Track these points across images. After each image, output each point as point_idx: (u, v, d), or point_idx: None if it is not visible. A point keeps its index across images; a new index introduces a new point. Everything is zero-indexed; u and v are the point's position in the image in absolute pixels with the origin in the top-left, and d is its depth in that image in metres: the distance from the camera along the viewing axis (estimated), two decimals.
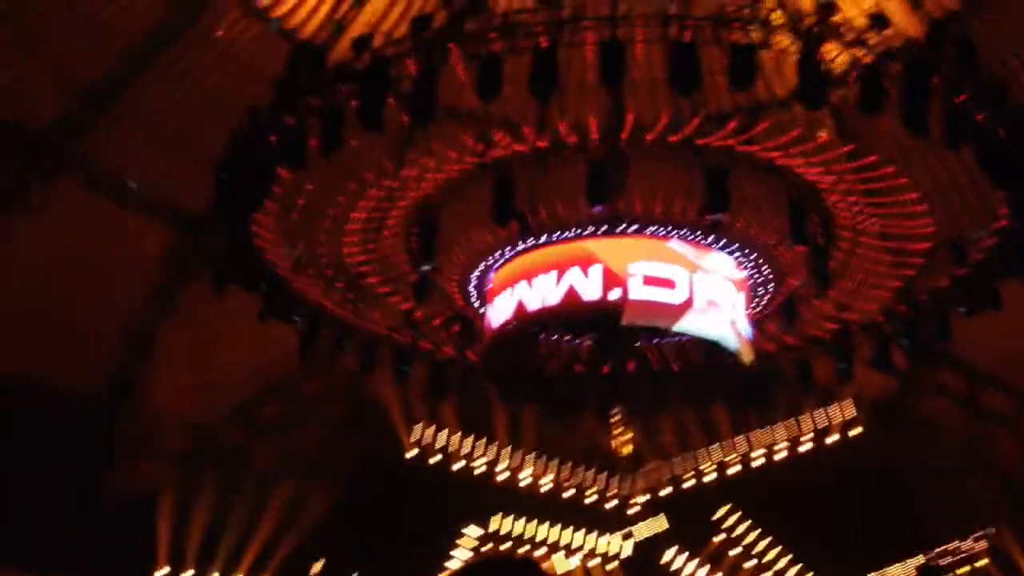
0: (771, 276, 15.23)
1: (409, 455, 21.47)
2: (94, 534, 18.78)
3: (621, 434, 20.66)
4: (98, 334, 17.48)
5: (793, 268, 15.05)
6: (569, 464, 22.19)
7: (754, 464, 21.08)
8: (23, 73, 14.77)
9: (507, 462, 21.96)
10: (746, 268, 15.05)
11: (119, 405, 18.22)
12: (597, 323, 15.14)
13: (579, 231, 14.49)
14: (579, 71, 12.28)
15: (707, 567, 22.46)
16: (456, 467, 21.76)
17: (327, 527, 20.92)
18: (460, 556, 22.65)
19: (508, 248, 14.94)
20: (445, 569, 22.57)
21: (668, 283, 14.22)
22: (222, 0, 14.73)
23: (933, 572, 19.85)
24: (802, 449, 20.51)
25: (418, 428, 21.54)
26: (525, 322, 14.88)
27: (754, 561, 22.32)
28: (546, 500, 22.29)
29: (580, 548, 22.86)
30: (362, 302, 15.92)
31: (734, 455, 21.26)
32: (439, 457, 21.70)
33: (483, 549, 22.88)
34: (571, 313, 14.71)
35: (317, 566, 20.86)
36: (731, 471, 21.36)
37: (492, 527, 22.67)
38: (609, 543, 22.69)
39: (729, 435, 21.07)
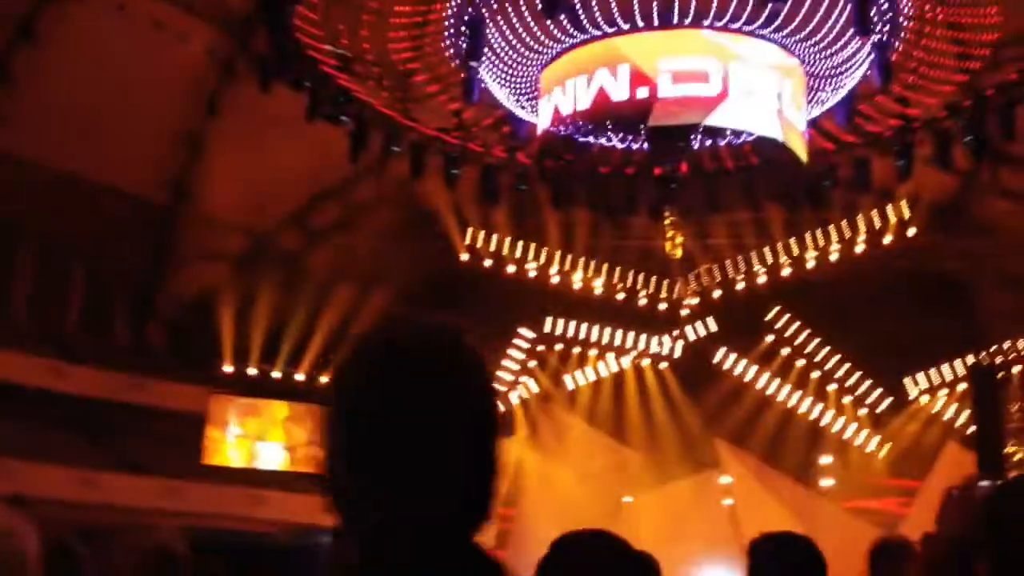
0: (830, 67, 14.66)
1: (462, 259, 21.68)
2: (159, 332, 19.48)
3: (673, 236, 20.57)
4: (152, 136, 17.61)
5: (854, 60, 14.48)
6: (621, 267, 22.28)
7: (807, 265, 20.96)
8: None
9: (559, 266, 22.10)
10: (799, 56, 14.43)
11: (176, 207, 18.51)
12: (630, 124, 14.83)
13: (612, 28, 14.00)
14: None
15: (756, 367, 22.82)
16: (509, 271, 21.97)
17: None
18: (516, 356, 23.27)
19: (554, 44, 14.54)
20: (501, 368, 23.23)
21: (700, 76, 13.73)
22: None
23: (987, 370, 19.90)
24: (856, 250, 20.29)
25: (471, 233, 21.68)
26: (561, 127, 14.66)
27: (803, 361, 22.60)
28: (598, 303, 22.55)
29: (631, 349, 23.31)
30: (410, 101, 15.73)
31: (787, 257, 21.14)
32: (492, 261, 21.90)
33: (538, 349, 23.44)
34: (602, 116, 14.42)
35: None
36: (783, 272, 21.30)
37: (545, 329, 23.14)
38: (660, 345, 23.09)
39: (782, 236, 20.89)
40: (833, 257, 20.57)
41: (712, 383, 22.84)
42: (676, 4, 13.71)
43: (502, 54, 14.81)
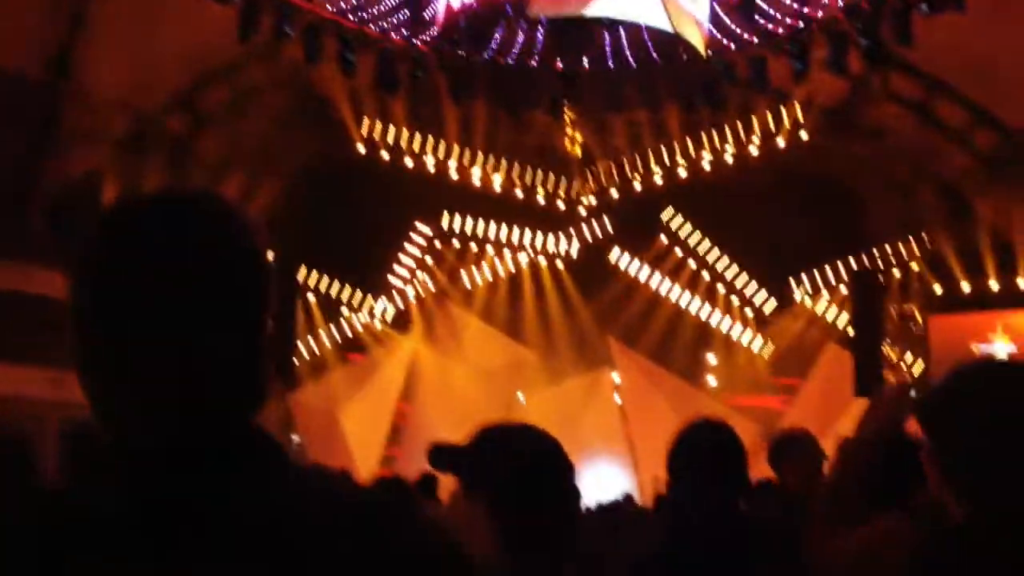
0: None
1: (358, 150, 21.25)
2: (40, 218, 18.75)
3: (573, 134, 20.52)
4: (29, 8, 16.62)
5: None
6: (519, 164, 22.16)
7: (702, 166, 21.16)
8: None
9: (458, 161, 21.85)
10: None
11: (57, 84, 17.61)
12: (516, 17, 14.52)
13: None
14: None
15: (649, 268, 23.16)
16: (406, 164, 21.64)
17: (276, 221, 20.99)
18: (412, 252, 23.14)
19: None
20: (397, 263, 23.10)
21: None
22: None
23: (868, 274, 20.56)
24: (750, 152, 20.54)
25: (367, 123, 21.21)
26: (452, 22, 14.34)
27: (694, 262, 23.02)
28: (496, 199, 22.45)
29: (528, 247, 23.38)
30: None
31: (683, 158, 21.30)
32: (388, 154, 21.52)
33: (435, 246, 23.34)
34: (486, 12, 14.10)
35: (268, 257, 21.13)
36: (679, 173, 21.47)
37: (443, 224, 23.00)
38: (557, 243, 23.20)
39: (679, 137, 21.00)
40: (727, 159, 20.79)
41: (606, 283, 23.13)
42: None
43: None
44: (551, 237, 23.10)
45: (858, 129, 19.75)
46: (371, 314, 22.98)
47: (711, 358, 23.26)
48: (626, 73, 17.24)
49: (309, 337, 22.38)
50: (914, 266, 20.59)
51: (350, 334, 22.93)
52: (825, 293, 22.14)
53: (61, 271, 18.90)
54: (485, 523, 2.43)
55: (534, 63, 17.33)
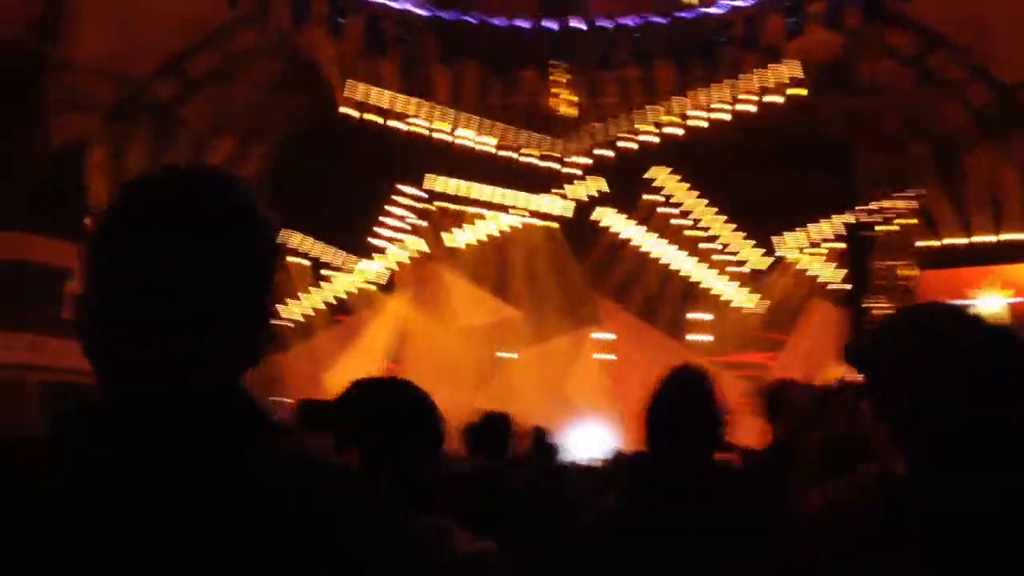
0: None
1: (345, 112, 20.98)
2: (25, 185, 18.46)
3: (561, 94, 20.35)
4: None
5: None
6: (508, 124, 21.95)
7: (694, 125, 21.04)
8: None
9: (446, 122, 21.61)
10: None
11: (43, 52, 17.24)
12: None
13: None
14: None
15: (638, 226, 23.11)
16: (394, 126, 21.39)
17: (264, 185, 20.77)
18: (399, 213, 22.97)
19: None
20: (383, 225, 22.94)
21: None
22: None
23: (858, 229, 20.66)
24: (742, 108, 20.44)
25: (354, 85, 20.91)
26: None
27: (684, 220, 22.99)
28: (485, 161, 22.26)
29: (516, 208, 23.26)
30: None
31: (674, 116, 21.16)
32: (376, 116, 21.26)
33: (422, 207, 23.17)
34: None
35: None
36: (670, 131, 21.35)
37: (430, 186, 22.81)
38: (545, 203, 23.08)
39: (671, 96, 20.85)
40: (720, 117, 20.67)
41: (595, 242, 23.09)
42: None
43: None
44: (540, 198, 22.96)
45: (852, 85, 19.70)
46: (358, 275, 22.86)
47: (700, 316, 23.34)
48: (617, 31, 17.09)
49: (296, 300, 22.26)
50: (905, 221, 20.68)
51: (337, 296, 22.81)
52: (815, 249, 22.20)
53: (44, 238, 18.72)
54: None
55: (524, 23, 17.17)
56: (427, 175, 22.57)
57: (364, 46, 17.45)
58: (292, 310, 22.14)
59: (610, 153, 21.82)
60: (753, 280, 22.99)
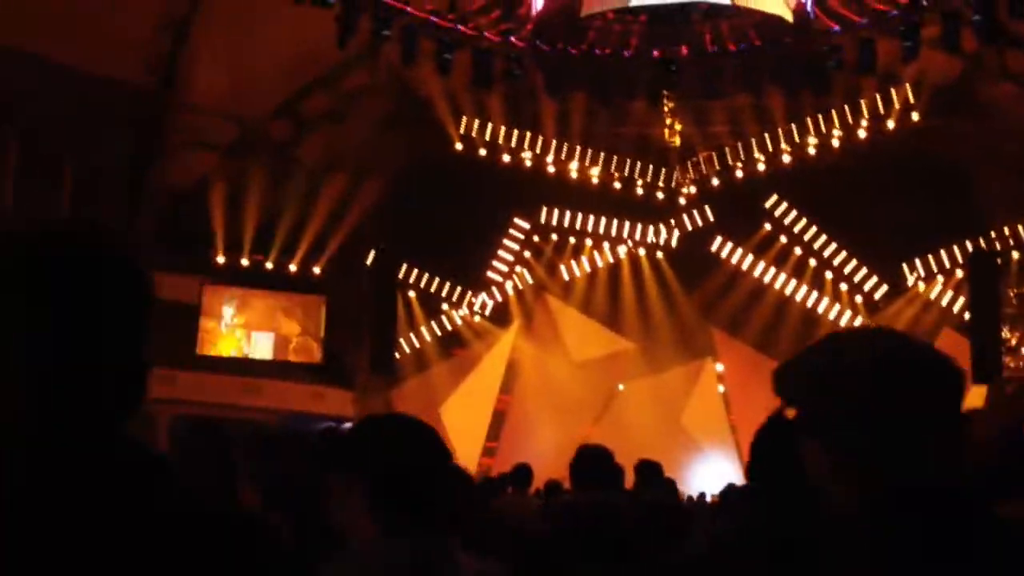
0: None
1: (456, 148, 21.32)
2: (149, 222, 19.26)
3: (672, 123, 20.20)
4: (137, 21, 17.04)
5: None
6: (617, 156, 21.92)
7: (807, 152, 20.61)
8: None
9: (555, 154, 21.73)
10: None
11: (164, 94, 18.05)
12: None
13: None
14: None
15: (752, 256, 22.69)
16: (504, 160, 21.62)
17: (378, 219, 21.23)
18: (510, 246, 23.13)
19: None
20: (495, 258, 23.12)
21: None
22: None
23: (984, 256, 19.82)
24: (858, 136, 19.94)
25: (465, 121, 21.25)
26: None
27: (800, 249, 22.46)
28: (594, 192, 22.27)
29: (627, 239, 23.14)
30: None
31: (786, 144, 20.78)
32: (486, 150, 21.53)
33: (533, 239, 23.29)
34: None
35: (370, 255, 21.38)
36: (783, 159, 20.96)
37: (541, 219, 22.92)
38: (656, 234, 22.90)
39: (783, 123, 20.50)
40: (834, 143, 20.20)
41: (708, 272, 22.77)
42: None
43: None
44: (651, 228, 22.79)
45: (970, 109, 19.02)
46: (471, 309, 23.05)
47: None
48: (726, 58, 16.88)
49: (410, 333, 22.57)
50: None
51: (450, 329, 23.04)
52: (939, 277, 21.41)
53: (174, 275, 19.49)
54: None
55: (629, 54, 17.11)
56: (538, 208, 22.70)
57: (472, 81, 17.65)
58: (406, 343, 22.47)
59: (720, 182, 21.55)
60: (875, 310, 22.28)
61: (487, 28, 16.57)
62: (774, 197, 22.18)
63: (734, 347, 22.53)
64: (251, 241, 20.52)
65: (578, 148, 21.61)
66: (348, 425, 21.56)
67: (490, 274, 23.18)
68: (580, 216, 22.86)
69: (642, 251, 23.24)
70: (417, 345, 22.71)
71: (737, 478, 19.29)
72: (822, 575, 1.89)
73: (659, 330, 22.91)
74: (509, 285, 23.29)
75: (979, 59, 17.65)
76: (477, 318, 23.23)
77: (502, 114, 21.00)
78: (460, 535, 2.58)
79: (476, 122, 21.25)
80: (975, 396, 19.32)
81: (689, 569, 3.51)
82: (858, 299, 22.33)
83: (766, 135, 20.66)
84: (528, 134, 21.45)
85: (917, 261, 21.38)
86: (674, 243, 22.85)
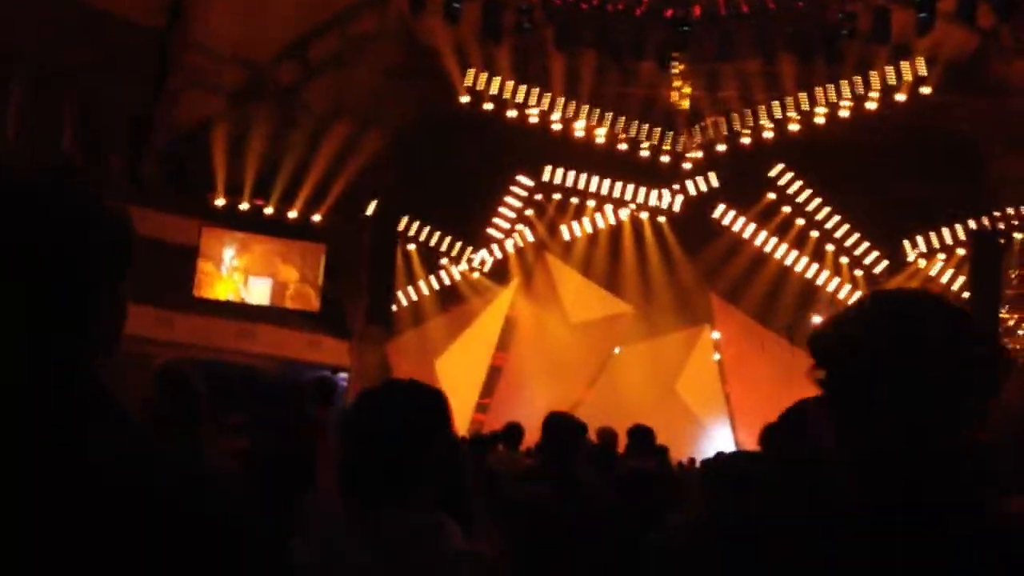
0: None
1: (462, 101, 21.11)
2: (152, 163, 19.14)
3: (680, 86, 19.98)
4: None
5: None
6: (624, 116, 21.70)
7: (816, 122, 20.42)
8: None
9: (561, 112, 21.51)
10: None
11: (172, 34, 17.84)
12: None
13: None
14: None
15: (755, 224, 22.57)
16: (510, 115, 21.41)
17: (380, 169, 21.08)
18: (512, 204, 23.00)
19: None
20: (497, 215, 23.01)
21: None
22: None
23: (988, 235, 19.71)
24: (868, 107, 19.74)
25: (472, 73, 21.02)
26: None
27: (803, 220, 22.34)
28: (599, 152, 22.08)
29: (630, 202, 23.00)
30: None
31: (795, 112, 20.56)
32: (492, 104, 21.32)
33: (535, 198, 23.15)
34: None
35: (371, 206, 21.27)
36: (791, 128, 20.76)
37: (544, 177, 22.77)
38: (660, 198, 22.76)
39: (793, 91, 20.27)
40: (843, 114, 20.00)
41: (710, 239, 22.67)
42: None
43: None
44: (655, 192, 22.65)
45: (983, 85, 18.82)
46: (470, 264, 22.99)
47: (816, 318, 22.66)
48: (739, 21, 16.67)
49: (409, 286, 22.54)
50: None
51: (449, 283, 23.00)
52: (941, 254, 21.31)
53: (174, 216, 19.41)
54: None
55: (641, 11, 16.89)
56: (542, 166, 22.54)
57: (481, 32, 17.41)
58: (404, 296, 22.43)
59: (727, 148, 21.37)
60: (875, 284, 22.21)
61: None
62: (780, 166, 22.02)
63: (732, 315, 22.49)
64: (252, 185, 20.37)
65: (585, 107, 21.38)
66: (343, 375, 21.52)
67: (491, 231, 23.07)
68: (584, 176, 22.68)
69: (644, 215, 23.11)
70: (415, 298, 22.67)
71: (729, 446, 19.43)
72: (816, 550, 1.81)
73: (658, 295, 22.87)
74: (510, 243, 23.20)
75: (995, 35, 17.42)
76: (476, 274, 23.17)
77: (510, 68, 20.76)
78: (451, 510, 2.55)
79: (483, 75, 21.00)
80: None
81: (659, 552, 3.47)
82: (858, 273, 22.25)
83: (775, 103, 20.43)
84: (536, 90, 21.21)
85: (919, 237, 21.26)
86: (677, 208, 22.71)
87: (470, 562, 2.45)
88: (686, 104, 19.59)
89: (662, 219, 23.00)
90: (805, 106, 20.12)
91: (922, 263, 21.51)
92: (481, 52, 20.33)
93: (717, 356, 22.83)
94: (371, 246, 21.53)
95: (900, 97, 19.15)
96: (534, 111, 21.40)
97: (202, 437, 3.80)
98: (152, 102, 18.68)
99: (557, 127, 21.59)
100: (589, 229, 23.29)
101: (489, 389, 22.42)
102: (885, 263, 21.92)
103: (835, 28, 15.47)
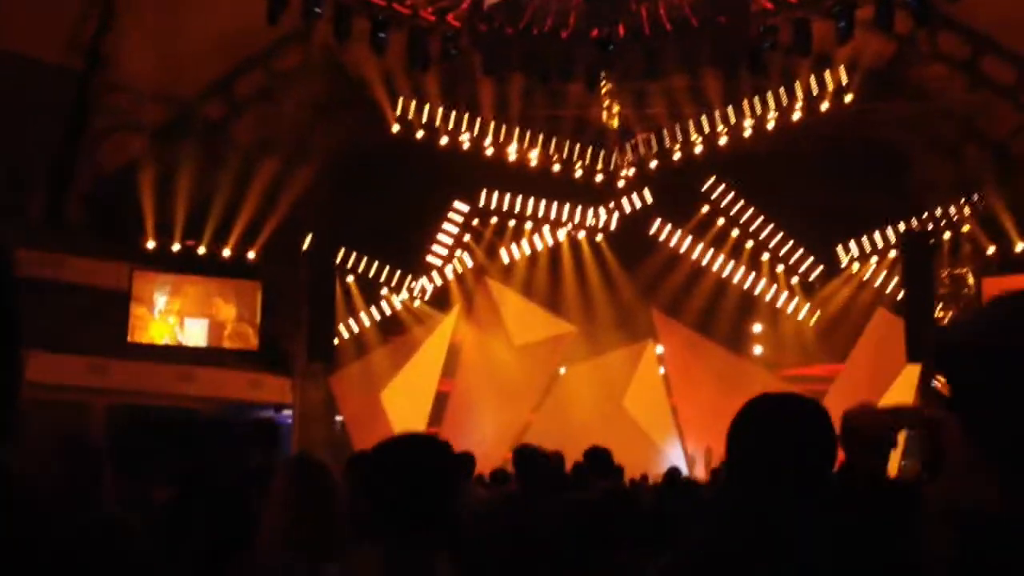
0: None
1: (393, 130, 21.03)
2: (77, 207, 18.73)
3: (610, 105, 20.12)
4: (62, 1, 16.50)
5: None
6: (556, 138, 21.82)
7: (744, 134, 20.71)
8: None
9: (493, 137, 21.54)
10: None
11: (91, 74, 17.49)
12: None
13: None
14: None
15: (691, 238, 22.80)
16: (442, 142, 21.38)
17: (314, 202, 20.88)
18: (450, 230, 22.94)
19: None
20: (435, 242, 22.91)
21: None
22: None
23: (918, 237, 20.09)
24: (793, 118, 20.07)
25: (401, 102, 20.97)
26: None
27: (738, 231, 22.63)
28: (533, 175, 22.15)
29: (567, 222, 23.09)
30: None
31: (723, 126, 20.85)
32: (423, 132, 21.27)
33: (472, 223, 23.12)
34: None
35: (306, 240, 21.04)
36: (720, 142, 21.04)
37: (480, 202, 22.76)
38: (596, 216, 22.88)
39: (719, 105, 20.56)
40: (770, 125, 20.32)
41: (648, 254, 22.83)
42: None
43: None
44: (590, 210, 22.76)
45: (904, 90, 19.23)
46: (411, 293, 22.84)
47: (757, 327, 22.91)
48: (663, 38, 16.81)
49: (350, 318, 22.31)
50: (965, 227, 20.09)
51: (390, 313, 22.82)
52: (874, 258, 21.69)
53: (102, 261, 18.99)
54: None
55: (567, 34, 16.95)
56: (477, 190, 22.53)
57: (408, 61, 17.36)
58: (345, 329, 22.19)
59: (659, 164, 21.57)
60: (810, 290, 22.53)
61: (422, 6, 16.29)
62: (711, 179, 22.30)
63: (674, 329, 22.60)
64: (183, 225, 20.03)
65: (517, 130, 21.45)
66: (287, 412, 21.14)
67: (430, 258, 22.98)
68: (519, 199, 22.74)
69: (582, 234, 23.22)
70: (356, 330, 22.45)
71: (679, 459, 19.49)
72: None
73: (600, 313, 22.93)
74: (449, 269, 23.11)
75: (912, 41, 17.81)
76: (417, 302, 23.03)
77: (439, 95, 20.75)
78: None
79: (413, 103, 20.97)
80: (910, 375, 19.62)
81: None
82: (794, 280, 22.56)
83: (703, 117, 20.72)
84: (466, 116, 21.22)
85: (852, 242, 21.65)
86: (613, 225, 22.85)
87: None
88: (616, 123, 19.71)
89: (599, 237, 23.13)
90: (732, 119, 20.40)
91: (856, 267, 21.87)
92: (409, 80, 20.28)
93: (662, 370, 22.92)
94: (308, 280, 21.28)
95: (823, 106, 19.52)
96: (466, 137, 21.40)
97: (101, 495, 3.64)
98: (72, 145, 18.29)
99: (490, 151, 21.60)
100: (528, 251, 23.31)
101: (437, 417, 22.23)
102: (820, 268, 22.24)
103: (757, 41, 15.67)
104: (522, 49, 16.62)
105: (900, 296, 20.40)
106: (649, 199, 22.51)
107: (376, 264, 22.45)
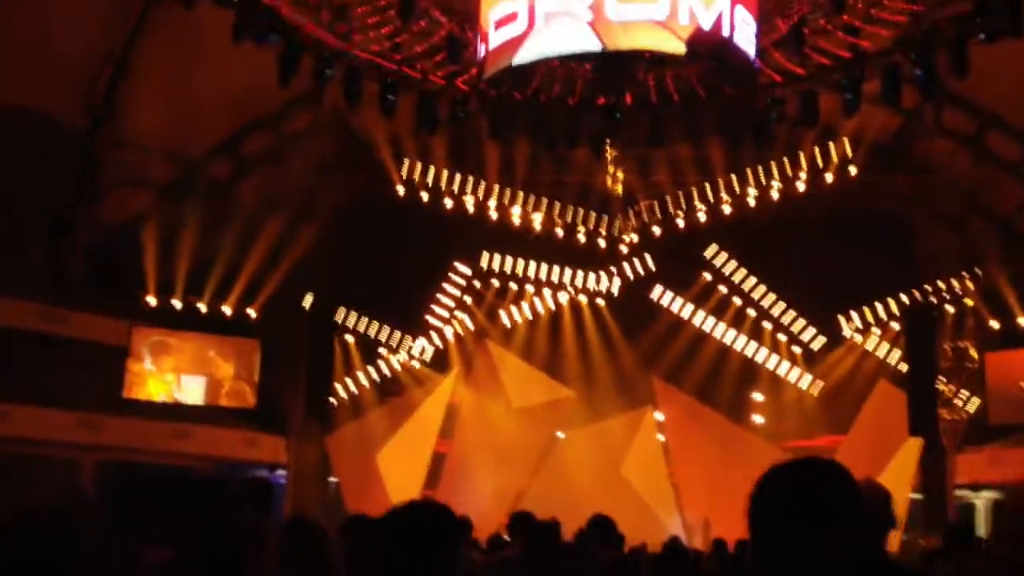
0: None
1: (398, 191, 21.12)
2: (79, 262, 18.72)
3: (614, 172, 20.20)
4: (73, 57, 16.63)
5: None
6: (560, 203, 21.90)
7: (747, 202, 20.77)
8: None
9: (497, 200, 21.63)
10: None
11: (99, 131, 17.60)
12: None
13: None
14: None
15: (693, 305, 22.77)
16: (446, 204, 21.45)
17: (316, 261, 20.89)
18: (451, 291, 22.90)
19: None
20: (436, 303, 22.86)
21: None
22: None
23: (921, 309, 20.06)
24: (796, 188, 20.15)
25: (407, 164, 21.08)
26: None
27: (740, 299, 22.59)
28: (536, 239, 22.19)
29: (569, 286, 23.07)
30: (343, 22, 15.03)
31: (727, 195, 20.93)
32: (428, 194, 21.35)
33: (474, 285, 23.10)
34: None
35: (307, 298, 21.01)
36: (724, 210, 21.10)
37: (482, 264, 22.76)
38: (598, 281, 22.87)
39: (723, 173, 20.67)
40: (773, 195, 20.39)
41: (649, 320, 22.76)
42: None
43: None
44: (592, 276, 22.75)
45: (908, 164, 19.36)
46: (410, 354, 22.73)
47: (758, 396, 22.76)
48: (669, 108, 16.87)
49: (347, 378, 22.18)
50: (968, 301, 20.06)
51: (389, 374, 22.69)
52: (876, 329, 21.62)
53: (102, 316, 18.91)
54: None
55: (574, 101, 17.03)
56: (480, 253, 22.55)
57: (416, 124, 17.43)
58: (342, 388, 22.06)
59: (662, 231, 21.61)
60: (812, 361, 22.42)
61: (432, 71, 16.39)
62: (714, 247, 22.33)
63: (674, 396, 22.45)
64: (184, 282, 20.02)
65: (521, 194, 21.55)
66: (281, 472, 20.95)
67: (430, 319, 22.91)
68: (522, 262, 22.75)
69: (583, 298, 23.19)
70: (354, 390, 22.32)
71: (677, 527, 19.21)
72: None
73: (600, 378, 22.80)
74: (449, 331, 23.03)
75: (918, 115, 17.95)
76: (416, 364, 22.92)
77: (445, 158, 20.86)
78: None
79: (419, 165, 21.09)
80: (911, 448, 19.44)
81: None
82: (796, 350, 22.46)
83: (707, 185, 20.82)
84: (471, 179, 21.32)
85: (854, 313, 21.60)
86: (615, 291, 22.82)
87: None
88: (620, 189, 19.76)
89: (601, 302, 23.09)
90: (736, 188, 20.49)
91: (858, 338, 21.79)
92: (416, 143, 20.39)
93: (661, 437, 22.71)
94: (308, 339, 21.20)
95: (828, 178, 19.61)
96: (470, 199, 21.48)
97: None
98: (77, 199, 18.33)
99: (494, 215, 21.67)
100: (529, 314, 23.26)
101: (433, 480, 21.98)
102: (822, 339, 22.16)
103: (764, 113, 15.76)
104: (529, 115, 16.67)
105: (902, 367, 20.30)
106: (652, 265, 22.52)
107: (376, 324, 22.39)
